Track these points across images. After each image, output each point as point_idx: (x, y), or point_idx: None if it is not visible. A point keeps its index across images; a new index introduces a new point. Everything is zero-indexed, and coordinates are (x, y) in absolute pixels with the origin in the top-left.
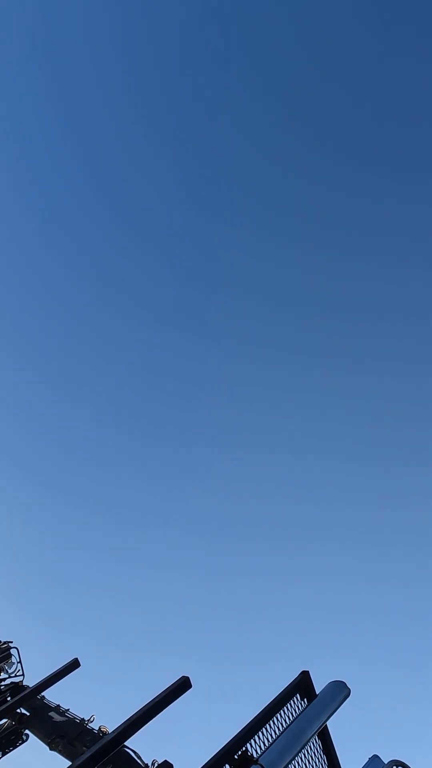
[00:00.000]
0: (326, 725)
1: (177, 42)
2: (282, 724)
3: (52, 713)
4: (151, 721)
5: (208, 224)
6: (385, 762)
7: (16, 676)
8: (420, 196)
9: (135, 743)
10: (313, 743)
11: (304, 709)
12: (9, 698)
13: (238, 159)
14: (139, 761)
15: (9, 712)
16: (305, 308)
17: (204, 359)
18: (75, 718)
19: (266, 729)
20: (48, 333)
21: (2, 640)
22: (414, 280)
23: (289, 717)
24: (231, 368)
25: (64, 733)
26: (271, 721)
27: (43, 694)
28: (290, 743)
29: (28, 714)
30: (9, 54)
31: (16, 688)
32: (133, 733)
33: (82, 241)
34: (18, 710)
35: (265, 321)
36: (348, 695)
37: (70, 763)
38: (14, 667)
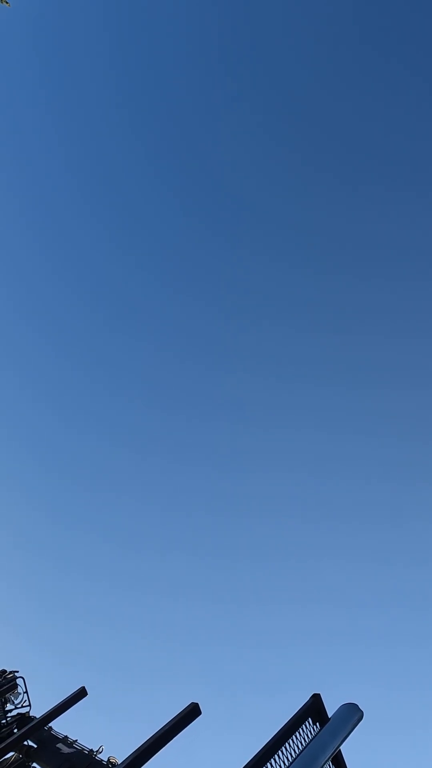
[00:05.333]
0: (340, 750)
1: (177, 56)
2: (294, 751)
3: (59, 745)
4: (161, 750)
5: (209, 241)
6: None
7: (22, 706)
8: (422, 209)
9: None
10: None
11: (317, 733)
12: (16, 730)
13: (239, 175)
14: None
15: (16, 745)
16: (308, 324)
17: (206, 378)
18: (83, 749)
19: (278, 756)
20: (50, 354)
21: (8, 670)
22: (418, 293)
23: (301, 742)
24: (234, 387)
25: (72, 765)
26: (283, 748)
27: (50, 725)
28: None
29: (35, 746)
30: (8, 68)
31: (23, 719)
32: (144, 763)
33: (84, 263)
34: (25, 742)
35: (267, 338)
36: (361, 718)
37: None
38: (20, 697)
